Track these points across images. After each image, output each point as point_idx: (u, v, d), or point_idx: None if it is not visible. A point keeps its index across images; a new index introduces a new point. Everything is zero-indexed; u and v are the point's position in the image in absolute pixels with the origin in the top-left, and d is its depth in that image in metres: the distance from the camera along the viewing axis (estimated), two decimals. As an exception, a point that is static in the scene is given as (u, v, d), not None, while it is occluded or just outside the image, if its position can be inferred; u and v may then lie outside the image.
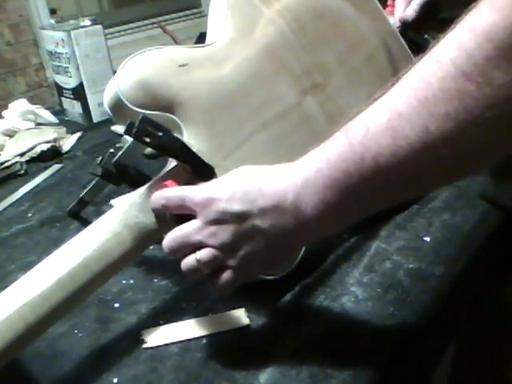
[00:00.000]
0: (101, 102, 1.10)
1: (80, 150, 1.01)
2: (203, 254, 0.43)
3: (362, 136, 0.37)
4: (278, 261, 0.48)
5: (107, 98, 0.50)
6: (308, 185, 0.40)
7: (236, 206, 0.41)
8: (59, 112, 1.19)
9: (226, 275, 0.43)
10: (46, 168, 0.94)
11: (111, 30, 2.37)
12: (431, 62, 0.34)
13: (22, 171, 0.92)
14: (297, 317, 0.51)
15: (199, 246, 0.43)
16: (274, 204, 0.41)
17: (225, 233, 0.42)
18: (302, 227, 0.41)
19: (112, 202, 0.74)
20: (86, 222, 0.71)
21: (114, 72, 0.50)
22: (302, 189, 0.40)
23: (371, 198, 0.39)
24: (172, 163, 0.50)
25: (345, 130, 0.39)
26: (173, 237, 0.44)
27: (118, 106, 0.49)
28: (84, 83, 1.09)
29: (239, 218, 0.41)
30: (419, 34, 0.81)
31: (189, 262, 0.44)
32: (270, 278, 0.52)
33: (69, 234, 0.69)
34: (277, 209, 0.41)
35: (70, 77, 1.11)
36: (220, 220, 0.42)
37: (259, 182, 0.42)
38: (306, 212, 0.40)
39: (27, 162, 0.95)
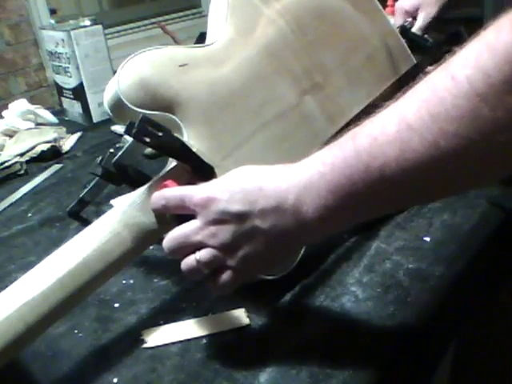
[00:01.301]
0: (101, 102, 1.10)
1: (80, 150, 1.01)
2: (203, 254, 0.43)
3: (369, 144, 0.36)
4: (278, 261, 0.48)
5: (107, 97, 0.50)
6: (311, 188, 0.39)
7: (236, 207, 0.41)
8: (59, 112, 1.19)
9: (226, 275, 0.43)
10: (46, 168, 0.94)
11: (111, 29, 2.37)
12: (446, 76, 0.32)
13: (22, 171, 0.92)
14: (297, 317, 0.51)
15: (199, 246, 0.43)
16: (275, 204, 0.41)
17: (225, 233, 0.42)
18: (302, 229, 0.41)
19: (112, 202, 0.74)
20: (86, 222, 0.71)
21: (114, 72, 0.50)
22: (304, 191, 0.40)
23: (373, 204, 0.39)
24: (172, 163, 0.50)
25: (351, 136, 0.38)
26: (173, 237, 0.44)
27: (117, 106, 0.49)
28: (84, 83, 1.09)
29: (239, 218, 0.41)
30: (419, 34, 0.81)
31: (189, 262, 0.44)
32: (270, 277, 0.52)
33: (69, 234, 0.69)
34: (277, 209, 0.41)
35: (70, 77, 1.11)
36: (220, 220, 0.42)
37: (260, 182, 0.42)
38: (307, 214, 0.40)
39: (27, 161, 0.95)
